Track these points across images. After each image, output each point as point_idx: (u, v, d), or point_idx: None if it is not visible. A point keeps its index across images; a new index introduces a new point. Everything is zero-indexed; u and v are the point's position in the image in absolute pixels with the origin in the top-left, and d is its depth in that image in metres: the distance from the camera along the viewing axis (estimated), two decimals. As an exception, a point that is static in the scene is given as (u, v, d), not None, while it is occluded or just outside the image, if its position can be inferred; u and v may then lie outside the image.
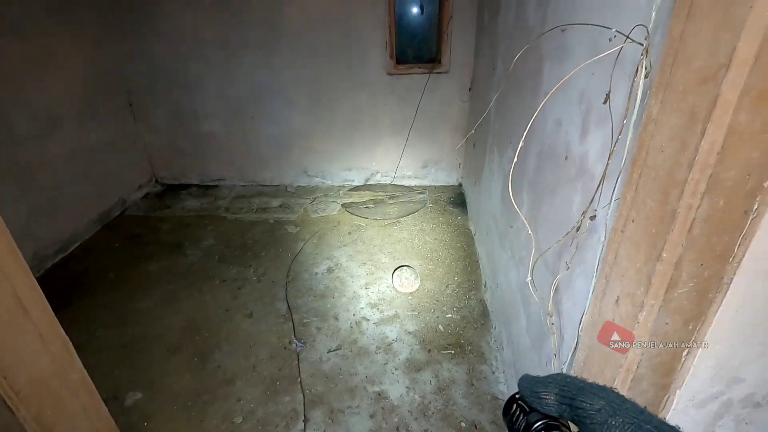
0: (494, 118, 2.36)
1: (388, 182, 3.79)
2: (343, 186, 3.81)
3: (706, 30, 0.50)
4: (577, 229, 0.94)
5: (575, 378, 0.32)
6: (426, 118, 3.48)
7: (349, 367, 2.06)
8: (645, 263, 0.64)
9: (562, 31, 1.06)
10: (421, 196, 3.58)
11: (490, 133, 2.45)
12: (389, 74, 3.32)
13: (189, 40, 3.33)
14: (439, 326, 2.28)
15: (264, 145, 3.72)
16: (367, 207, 3.44)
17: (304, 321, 2.34)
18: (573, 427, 0.32)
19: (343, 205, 3.48)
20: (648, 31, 0.67)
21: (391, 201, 3.51)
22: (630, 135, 0.73)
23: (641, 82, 0.69)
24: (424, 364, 2.06)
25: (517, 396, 0.35)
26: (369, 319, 2.34)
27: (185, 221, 3.37)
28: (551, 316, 0.97)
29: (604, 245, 0.81)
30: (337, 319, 2.35)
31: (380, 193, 3.64)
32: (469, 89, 3.32)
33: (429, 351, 2.13)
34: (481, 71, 2.88)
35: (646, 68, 0.68)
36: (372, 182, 3.81)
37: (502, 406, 0.36)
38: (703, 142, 0.53)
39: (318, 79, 3.39)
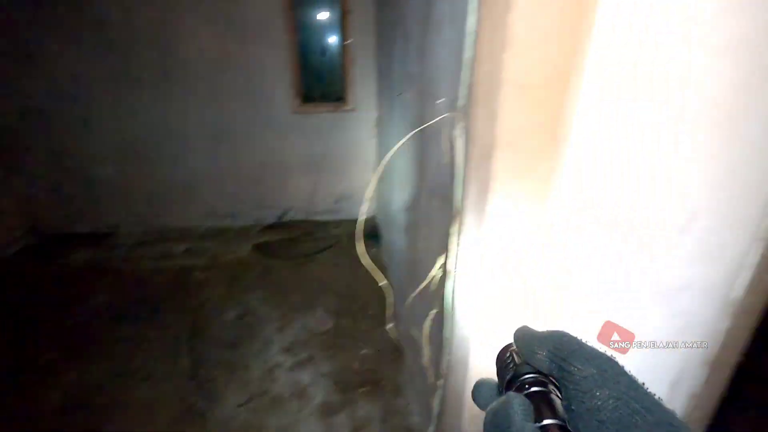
0: (395, 155, 2.49)
1: (302, 218, 3.77)
2: (255, 225, 3.70)
3: (483, 117, 0.61)
4: (443, 269, 1.03)
5: (573, 338, 0.30)
6: (337, 154, 3.56)
7: (261, 420, 1.96)
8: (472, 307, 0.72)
9: (402, 95, 1.18)
10: (336, 230, 3.61)
11: (395, 168, 2.57)
12: (295, 113, 3.36)
13: (72, 78, 3.09)
14: (355, 363, 2.27)
15: (166, 187, 3.51)
16: (281, 246, 3.37)
17: (211, 376, 2.19)
18: None
19: (254, 246, 3.38)
20: (460, 106, 0.78)
21: (305, 238, 3.49)
22: (461, 191, 0.83)
23: (462, 146, 0.79)
24: (339, 407, 2.02)
25: (512, 347, 0.34)
26: (282, 365, 2.26)
27: (72, 276, 3.01)
28: (428, 353, 1.03)
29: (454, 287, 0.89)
30: (247, 369, 2.23)
31: (294, 231, 3.60)
32: (376, 126, 3.47)
33: (344, 392, 2.10)
34: (384, 110, 3.04)
35: (463, 136, 0.78)
36: (285, 220, 3.76)
37: (499, 349, 0.35)
38: (489, 208, 0.62)
39: (222, 118, 3.32)
